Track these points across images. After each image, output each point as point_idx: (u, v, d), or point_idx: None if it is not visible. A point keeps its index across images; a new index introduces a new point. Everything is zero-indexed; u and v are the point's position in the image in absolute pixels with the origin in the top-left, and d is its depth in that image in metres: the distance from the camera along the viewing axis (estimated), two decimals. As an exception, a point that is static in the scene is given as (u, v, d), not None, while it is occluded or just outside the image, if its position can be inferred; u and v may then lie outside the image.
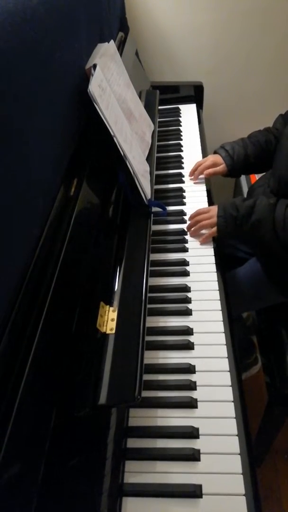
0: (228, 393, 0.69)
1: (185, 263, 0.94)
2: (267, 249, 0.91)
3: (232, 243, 1.24)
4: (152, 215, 0.93)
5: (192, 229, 0.99)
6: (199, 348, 0.77)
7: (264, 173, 1.19)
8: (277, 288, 1.05)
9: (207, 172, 1.15)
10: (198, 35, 1.51)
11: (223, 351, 0.76)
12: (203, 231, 1.00)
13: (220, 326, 0.80)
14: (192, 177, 1.18)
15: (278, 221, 0.87)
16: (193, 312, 0.83)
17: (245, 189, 1.62)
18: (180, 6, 1.43)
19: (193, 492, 0.58)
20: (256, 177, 1.57)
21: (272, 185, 1.00)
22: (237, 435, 0.64)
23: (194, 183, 1.18)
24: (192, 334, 0.79)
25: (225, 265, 0.95)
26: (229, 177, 1.18)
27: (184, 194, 1.14)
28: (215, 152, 1.19)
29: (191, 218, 1.02)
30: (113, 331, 0.67)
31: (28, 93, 0.55)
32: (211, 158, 1.17)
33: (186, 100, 1.53)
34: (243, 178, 1.69)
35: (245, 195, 1.41)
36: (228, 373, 0.72)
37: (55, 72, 0.66)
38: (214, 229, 0.96)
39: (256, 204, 0.91)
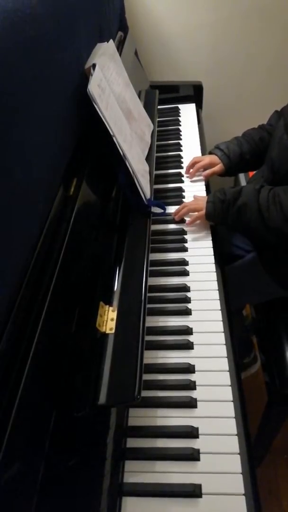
0: (227, 393, 0.69)
1: (184, 262, 0.94)
2: (254, 234, 0.94)
3: (230, 241, 1.24)
4: (151, 214, 0.93)
5: (180, 213, 1.03)
6: (199, 348, 0.77)
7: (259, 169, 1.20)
8: (273, 279, 1.06)
9: (205, 173, 1.17)
10: (197, 34, 1.50)
11: (222, 350, 0.76)
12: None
13: (220, 326, 0.80)
14: (188, 174, 1.19)
15: (263, 204, 0.91)
16: (192, 312, 0.83)
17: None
18: (180, 5, 1.43)
19: (193, 491, 0.58)
20: (254, 175, 1.57)
21: (266, 175, 1.01)
22: (236, 435, 0.64)
23: (191, 181, 1.19)
24: (192, 334, 0.79)
25: (223, 263, 0.95)
26: (227, 176, 1.20)
27: (183, 193, 1.14)
28: (210, 153, 1.20)
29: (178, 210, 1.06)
30: (113, 331, 0.67)
31: (27, 92, 0.55)
32: (208, 158, 1.18)
33: (186, 99, 1.53)
34: (242, 176, 1.69)
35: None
36: (228, 373, 0.72)
37: (55, 72, 0.66)
38: (202, 212, 0.99)
39: (242, 190, 0.95)
